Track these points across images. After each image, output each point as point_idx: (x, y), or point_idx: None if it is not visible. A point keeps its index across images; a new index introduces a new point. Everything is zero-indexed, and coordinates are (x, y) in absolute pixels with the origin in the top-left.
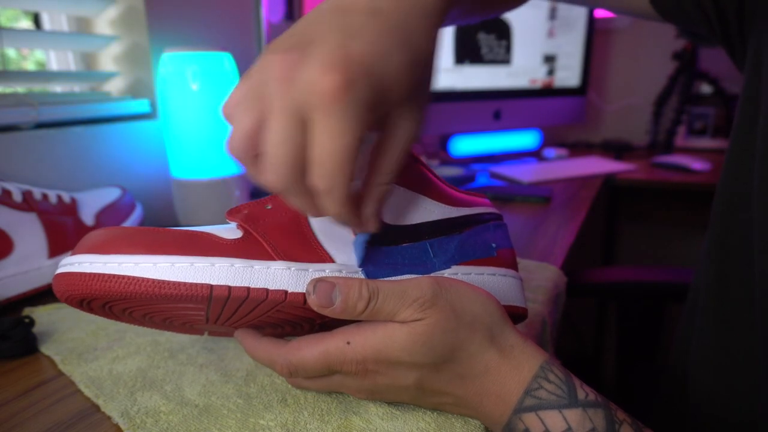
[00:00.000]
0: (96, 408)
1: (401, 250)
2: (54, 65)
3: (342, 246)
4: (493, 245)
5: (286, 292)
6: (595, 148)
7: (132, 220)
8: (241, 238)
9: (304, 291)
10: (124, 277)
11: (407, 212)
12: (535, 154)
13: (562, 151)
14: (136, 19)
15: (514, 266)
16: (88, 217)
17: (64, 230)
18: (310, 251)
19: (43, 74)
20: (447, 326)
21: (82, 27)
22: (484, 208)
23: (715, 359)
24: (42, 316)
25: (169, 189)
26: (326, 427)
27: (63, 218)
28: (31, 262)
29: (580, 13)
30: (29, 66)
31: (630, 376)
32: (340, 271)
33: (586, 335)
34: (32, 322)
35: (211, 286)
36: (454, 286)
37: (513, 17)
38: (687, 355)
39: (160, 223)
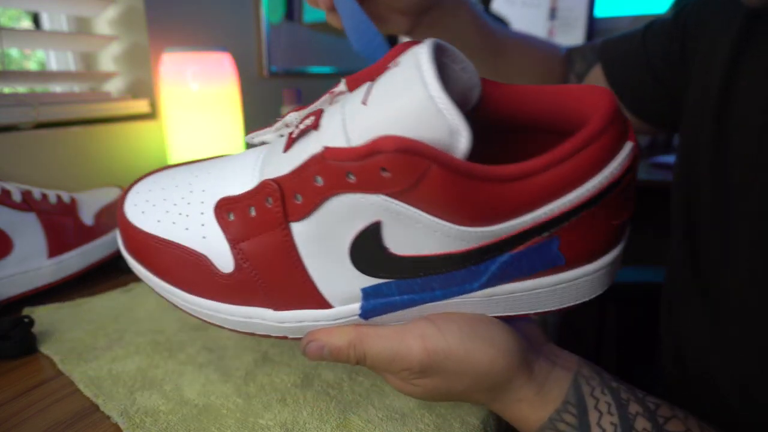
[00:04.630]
0: (95, 407)
1: (413, 283)
2: (54, 65)
3: (340, 289)
4: (561, 256)
5: (287, 336)
6: None
7: None
8: (234, 272)
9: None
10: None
11: (416, 241)
12: None
13: None
14: (136, 19)
15: (594, 257)
16: (87, 217)
17: (64, 230)
18: (306, 296)
19: (43, 74)
20: (437, 390)
21: (81, 27)
22: (584, 187)
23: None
24: (41, 316)
25: None
26: (325, 426)
27: (62, 218)
28: (31, 262)
29: (580, 13)
30: (32, 66)
31: (629, 378)
32: (336, 320)
33: (586, 336)
34: (32, 322)
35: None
36: (451, 356)
37: (513, 17)
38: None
39: None
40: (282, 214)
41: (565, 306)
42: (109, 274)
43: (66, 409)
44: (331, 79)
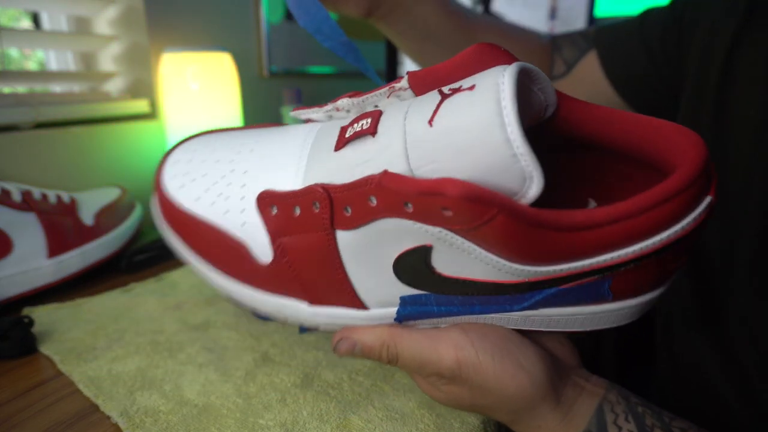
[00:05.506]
0: (95, 408)
1: (453, 298)
2: (54, 65)
3: (378, 294)
4: (610, 293)
5: (319, 327)
6: None
7: (131, 221)
8: (272, 264)
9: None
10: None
11: (466, 268)
12: None
13: None
14: (136, 19)
15: (641, 293)
16: (87, 217)
17: (64, 230)
18: (342, 296)
19: (43, 74)
20: (462, 399)
21: (81, 27)
22: (623, 249)
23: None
24: (41, 315)
25: None
26: (325, 426)
27: (62, 218)
28: (31, 262)
29: (580, 13)
30: (31, 66)
31: (629, 378)
32: (370, 321)
33: (586, 336)
34: (31, 322)
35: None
36: (480, 372)
37: (513, 17)
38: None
39: None
40: (329, 220)
41: (599, 328)
42: (109, 274)
43: (66, 409)
44: (331, 79)
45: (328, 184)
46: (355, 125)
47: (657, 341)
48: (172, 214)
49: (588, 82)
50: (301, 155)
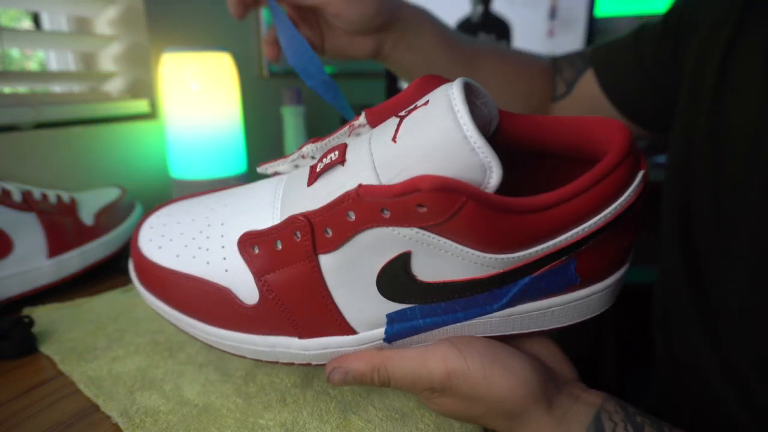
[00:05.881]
0: (95, 408)
1: (436, 307)
2: (54, 65)
3: (365, 315)
4: (577, 276)
5: (310, 363)
6: None
7: (131, 221)
8: (259, 304)
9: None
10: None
11: (444, 269)
12: None
13: None
14: (136, 19)
15: (605, 275)
16: (87, 217)
17: (64, 230)
18: (331, 324)
19: (43, 74)
20: (456, 410)
21: (81, 27)
22: (597, 215)
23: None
24: (41, 315)
25: (168, 189)
26: (325, 426)
27: (62, 218)
28: (31, 262)
29: (580, 13)
30: (32, 66)
31: (628, 380)
32: (360, 345)
33: (585, 337)
34: (32, 322)
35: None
36: (469, 380)
37: (513, 17)
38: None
39: None
40: (311, 247)
41: (576, 321)
42: (109, 274)
43: (66, 409)
44: None
45: (306, 212)
46: (324, 159)
47: (656, 343)
48: (151, 275)
49: (587, 100)
50: (274, 201)
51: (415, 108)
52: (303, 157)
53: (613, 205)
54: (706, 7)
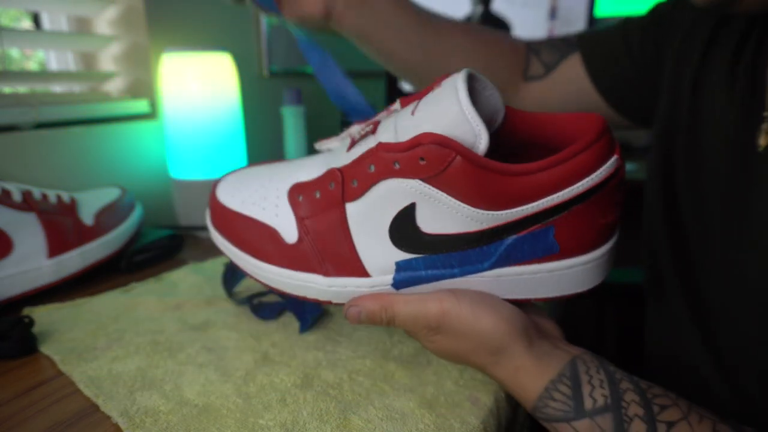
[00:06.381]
0: (95, 408)
1: (436, 260)
2: (54, 65)
3: (378, 261)
4: (556, 243)
5: (331, 301)
6: None
7: (131, 221)
8: (298, 243)
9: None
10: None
11: (441, 221)
12: None
13: None
14: (136, 19)
15: (585, 249)
16: (87, 217)
17: (64, 230)
18: (351, 266)
19: (43, 74)
20: (450, 348)
21: (81, 27)
22: (576, 185)
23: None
24: (41, 316)
25: (168, 189)
26: (325, 426)
27: (62, 218)
28: (31, 262)
29: (580, 13)
30: (32, 66)
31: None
32: (373, 287)
33: (585, 336)
34: (32, 322)
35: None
36: (461, 318)
37: (513, 17)
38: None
39: (161, 222)
40: (341, 195)
41: (565, 294)
42: (109, 274)
43: (66, 409)
44: None
45: (341, 166)
46: (362, 131)
47: (647, 339)
48: (221, 216)
49: (568, 84)
50: (322, 163)
51: (431, 90)
52: (350, 135)
53: (584, 180)
54: (683, 12)
